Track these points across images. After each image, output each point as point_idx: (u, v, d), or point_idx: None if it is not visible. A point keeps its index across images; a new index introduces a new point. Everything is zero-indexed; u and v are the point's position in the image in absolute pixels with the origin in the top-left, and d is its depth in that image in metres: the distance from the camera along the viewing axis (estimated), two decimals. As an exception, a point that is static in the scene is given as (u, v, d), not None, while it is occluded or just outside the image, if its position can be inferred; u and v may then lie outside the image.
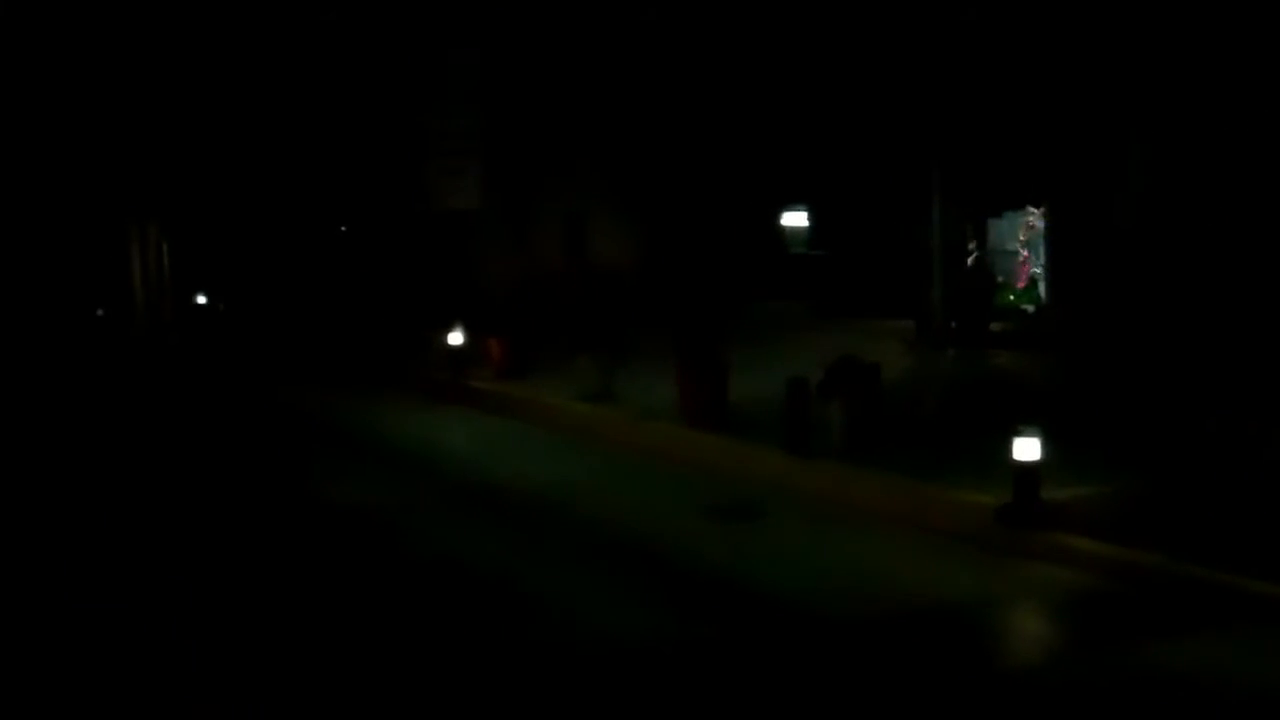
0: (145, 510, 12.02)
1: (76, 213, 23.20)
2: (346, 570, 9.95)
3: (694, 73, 29.16)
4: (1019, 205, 23.62)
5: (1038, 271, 23.11)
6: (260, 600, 9.17)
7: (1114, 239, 17.84)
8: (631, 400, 15.78)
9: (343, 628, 8.54)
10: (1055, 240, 21.18)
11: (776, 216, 30.16)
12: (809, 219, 29.68)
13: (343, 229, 26.99)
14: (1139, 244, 17.16)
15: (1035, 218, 23.18)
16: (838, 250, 28.41)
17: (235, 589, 9.46)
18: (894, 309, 24.24)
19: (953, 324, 20.78)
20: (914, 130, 24.96)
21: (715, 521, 11.16)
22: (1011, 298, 23.17)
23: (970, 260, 21.24)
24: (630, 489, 12.45)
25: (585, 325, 16.48)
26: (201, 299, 26.70)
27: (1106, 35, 18.12)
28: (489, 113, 27.66)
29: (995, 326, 21.37)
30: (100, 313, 25.93)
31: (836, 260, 28.33)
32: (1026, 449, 9.79)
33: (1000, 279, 22.29)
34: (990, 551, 9.85)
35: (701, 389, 14.25)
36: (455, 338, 18.48)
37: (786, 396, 12.19)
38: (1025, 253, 23.77)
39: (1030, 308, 22.72)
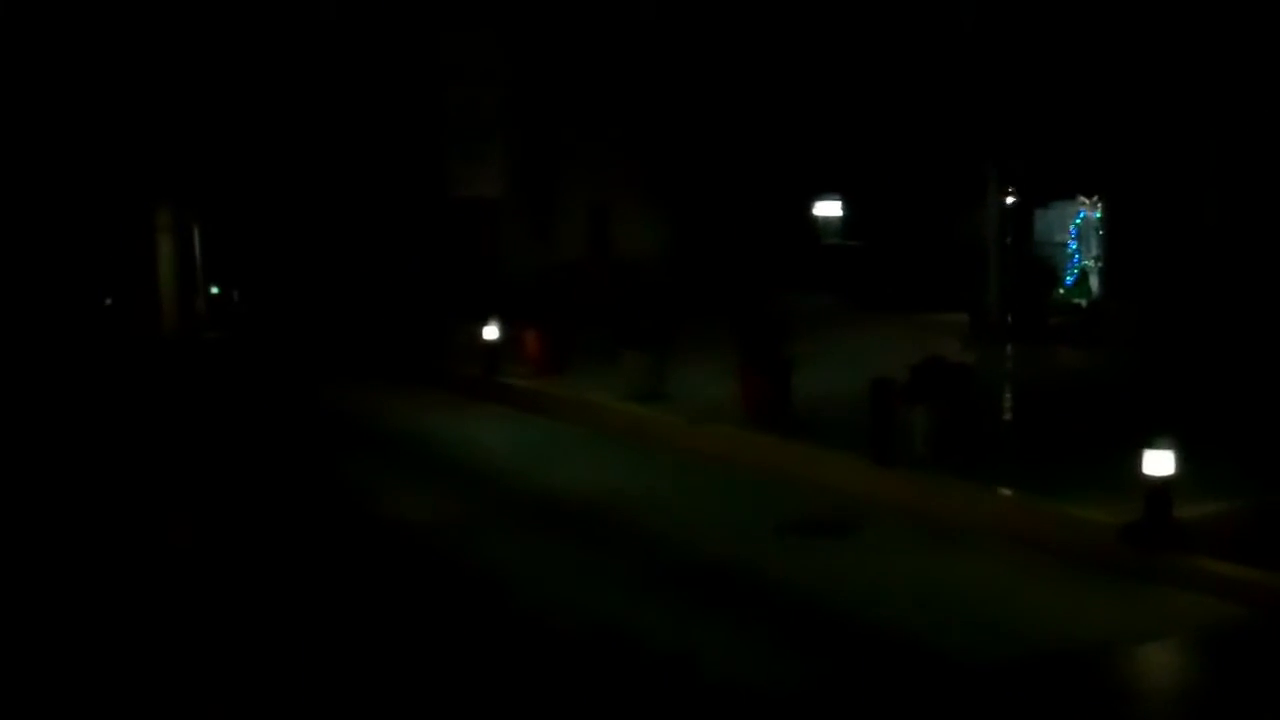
0: (181, 521, 11.04)
1: (92, 197, 21.95)
2: (399, 596, 8.96)
3: (723, 56, 28.17)
4: (1068, 196, 22.60)
5: (1089, 264, 22.10)
6: (311, 628, 8.19)
7: (1195, 234, 16.88)
8: (683, 399, 14.80)
9: (398, 657, 7.55)
10: (1113, 233, 20.18)
11: (808, 206, 29.15)
12: (842, 209, 28.67)
13: (360, 217, 25.95)
14: (1225, 240, 16.21)
15: (1087, 209, 22.15)
16: (873, 242, 27.43)
17: (280, 614, 8.47)
18: (936, 302, 23.24)
19: (1009, 318, 19.85)
20: (962, 119, 24.02)
21: (798, 539, 10.16)
22: (1061, 291, 22.19)
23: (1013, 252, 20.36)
24: (697, 500, 11.46)
25: (632, 320, 15.42)
26: (214, 289, 25.67)
27: (1187, 25, 17.15)
28: (511, 96, 26.69)
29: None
30: (109, 302, 24.76)
31: (872, 252, 27.35)
32: (1159, 463, 8.79)
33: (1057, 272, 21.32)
34: (1118, 576, 8.86)
35: (765, 388, 13.27)
36: (490, 332, 17.47)
37: (871, 399, 11.20)
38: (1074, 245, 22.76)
39: (1082, 302, 21.71)
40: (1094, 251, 21.81)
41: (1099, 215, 21.30)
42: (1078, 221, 22.37)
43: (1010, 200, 21.65)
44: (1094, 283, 21.70)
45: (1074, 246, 22.61)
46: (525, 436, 14.71)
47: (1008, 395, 14.18)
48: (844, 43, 27.27)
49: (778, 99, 28.34)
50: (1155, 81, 17.60)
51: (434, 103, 26.52)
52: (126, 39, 22.82)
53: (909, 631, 8.03)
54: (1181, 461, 9.01)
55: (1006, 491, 10.23)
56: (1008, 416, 13.23)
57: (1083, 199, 22.10)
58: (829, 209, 28.85)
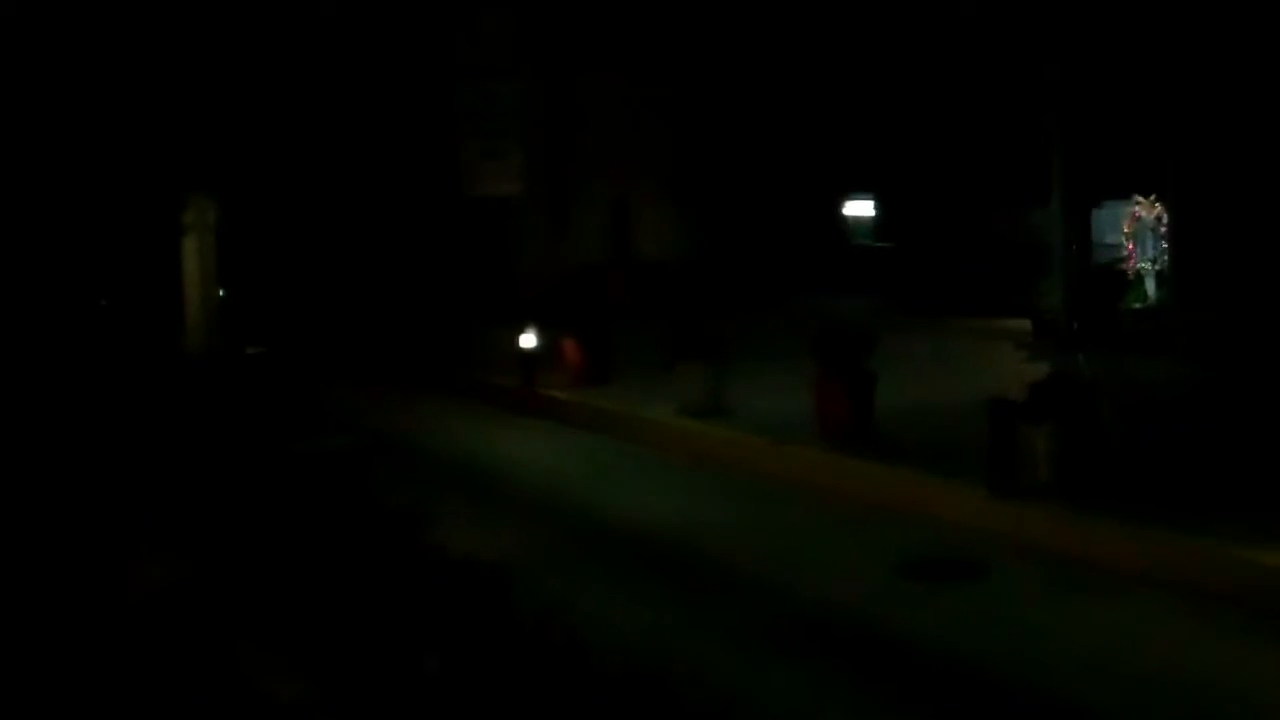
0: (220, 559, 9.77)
1: (102, 192, 20.04)
2: (475, 648, 7.73)
3: (750, 46, 27.04)
4: (1123, 195, 21.44)
5: (1145, 266, 20.91)
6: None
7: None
8: (745, 415, 13.61)
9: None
10: (1181, 235, 19.00)
11: (838, 205, 28.00)
12: (875, 208, 27.50)
13: (375, 216, 24.73)
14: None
15: (1143, 208, 20.98)
16: (909, 242, 26.28)
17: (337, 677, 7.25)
18: (981, 307, 22.10)
19: (1075, 325, 18.70)
20: (1014, 112, 22.91)
21: (919, 583, 8.98)
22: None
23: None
24: (795, 536, 10.25)
25: (688, 326, 14.25)
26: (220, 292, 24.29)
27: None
28: (529, 90, 25.48)
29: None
30: (104, 303, 23.03)
31: (908, 253, 26.20)
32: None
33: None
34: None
35: (846, 405, 12.08)
36: (527, 340, 16.24)
37: (989, 419, 10.02)
38: (1131, 245, 21.59)
39: (1139, 305, 20.56)
40: (1150, 254, 20.66)
41: (1154, 216, 20.14)
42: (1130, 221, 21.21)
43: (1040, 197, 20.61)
44: (1150, 287, 20.55)
45: (1125, 248, 21.48)
46: (579, 456, 13.51)
47: (1109, 412, 13.01)
48: (877, 31, 26.16)
49: (807, 92, 27.21)
50: (1230, 69, 16.48)
51: (447, 95, 25.28)
52: (143, 29, 21.48)
53: (1075, 701, 6.85)
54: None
55: (1156, 529, 9.04)
56: (1121, 436, 12.05)
57: (1138, 198, 20.94)
58: (860, 208, 27.70)
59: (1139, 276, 21.24)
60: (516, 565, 9.28)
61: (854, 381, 12.07)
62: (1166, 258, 19.15)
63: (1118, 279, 18.94)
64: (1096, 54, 18.35)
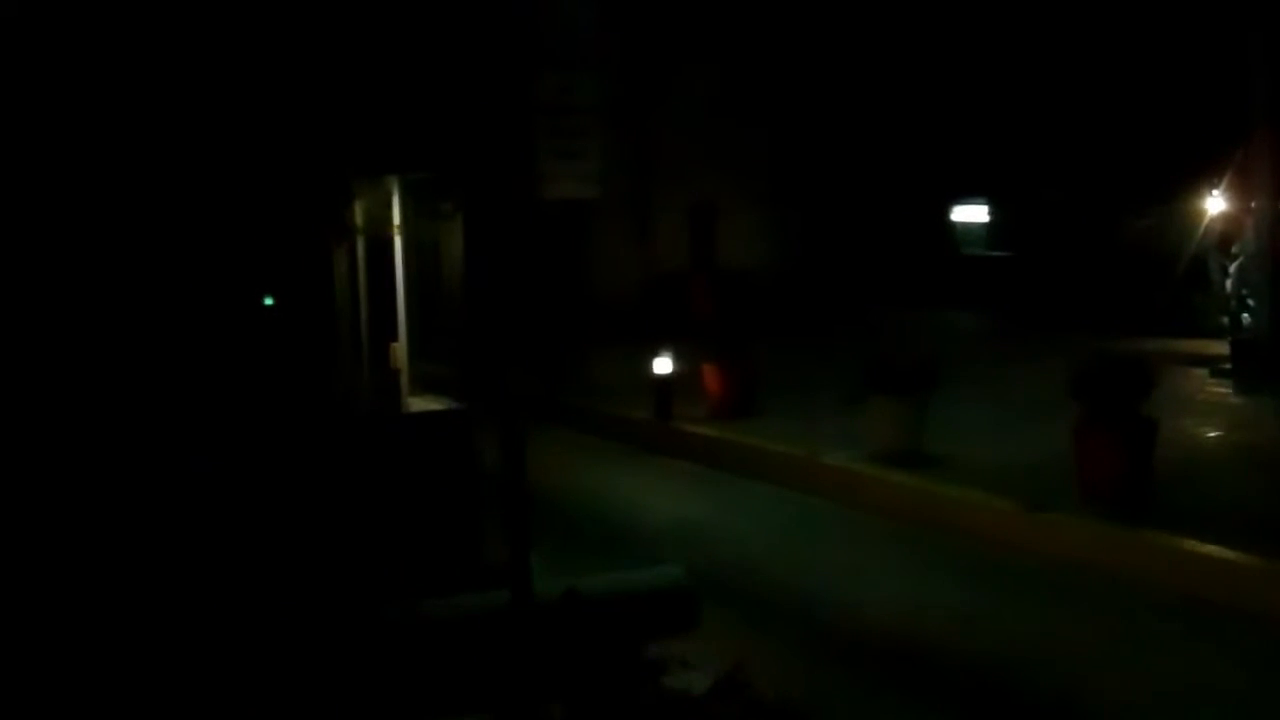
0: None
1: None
2: None
3: (844, 37, 24.57)
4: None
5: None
6: None
7: None
8: (958, 464, 11.06)
9: None
10: None
11: (945, 211, 25.43)
12: (989, 213, 24.89)
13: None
14: None
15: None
16: (1029, 251, 23.70)
17: None
18: (1130, 325, 19.47)
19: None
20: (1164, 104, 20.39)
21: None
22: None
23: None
24: (1137, 653, 7.51)
25: (886, 356, 11.69)
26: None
27: None
28: (612, 82, 22.95)
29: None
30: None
31: (1027, 263, 23.62)
32: None
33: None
34: None
35: (1120, 460, 9.51)
36: (662, 365, 13.68)
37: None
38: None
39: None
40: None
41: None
42: None
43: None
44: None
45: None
46: (753, 515, 10.95)
47: None
48: (987, 13, 23.66)
49: (910, 86, 24.71)
50: None
51: (521, 89, 22.73)
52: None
53: None
54: None
55: None
56: None
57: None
58: (971, 214, 25.11)
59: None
60: (772, 686, 6.72)
61: (1131, 430, 9.50)
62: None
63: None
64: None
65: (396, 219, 8.12)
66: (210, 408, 7.11)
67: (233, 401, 7.22)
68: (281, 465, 6.28)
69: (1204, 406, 13.86)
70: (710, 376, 13.77)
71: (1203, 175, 20.06)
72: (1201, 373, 16.06)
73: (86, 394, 7.02)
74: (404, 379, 8.07)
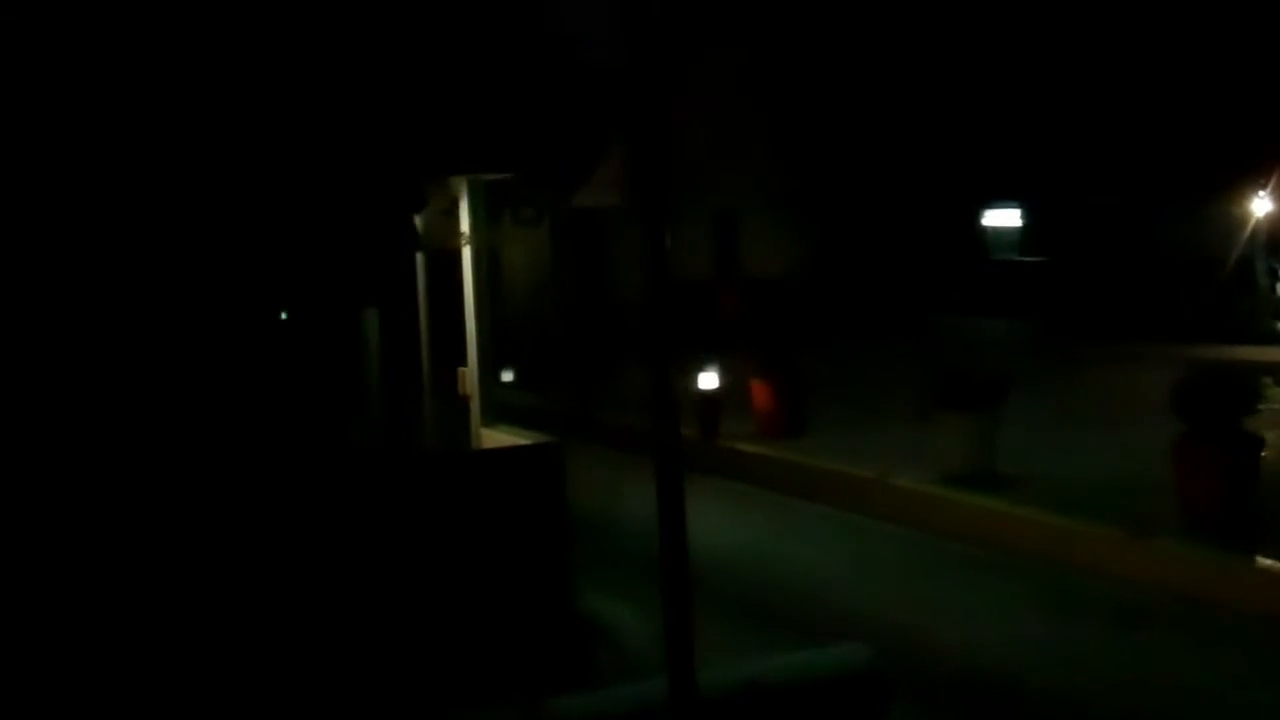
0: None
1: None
2: None
3: (872, 38, 23.88)
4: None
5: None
6: None
7: None
8: (1036, 484, 10.36)
9: None
10: None
11: (976, 215, 24.78)
12: (1022, 217, 24.25)
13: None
14: None
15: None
16: (1065, 256, 23.05)
17: None
18: (1172, 332, 18.78)
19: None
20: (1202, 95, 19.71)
21: None
22: None
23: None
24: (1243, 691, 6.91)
25: (957, 370, 10.99)
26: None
27: None
28: (631, 89, 22.24)
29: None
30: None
31: (1063, 269, 22.97)
32: None
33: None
34: None
35: (1225, 480, 8.81)
36: (708, 380, 12.97)
37: None
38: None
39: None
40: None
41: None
42: None
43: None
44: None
45: None
46: (823, 541, 10.23)
47: None
48: (1018, 11, 22.99)
49: (940, 87, 24.03)
50: None
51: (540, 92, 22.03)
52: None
53: None
54: None
55: None
56: None
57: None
58: (1003, 218, 24.46)
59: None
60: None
61: (1236, 447, 8.80)
62: None
63: None
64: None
65: (464, 226, 7.39)
66: (239, 450, 6.35)
67: (269, 437, 6.46)
68: (336, 506, 5.55)
69: (1276, 417, 13.13)
70: (759, 392, 13.06)
71: (1250, 176, 19.43)
72: (1264, 381, 15.32)
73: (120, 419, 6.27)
74: (475, 406, 7.33)
